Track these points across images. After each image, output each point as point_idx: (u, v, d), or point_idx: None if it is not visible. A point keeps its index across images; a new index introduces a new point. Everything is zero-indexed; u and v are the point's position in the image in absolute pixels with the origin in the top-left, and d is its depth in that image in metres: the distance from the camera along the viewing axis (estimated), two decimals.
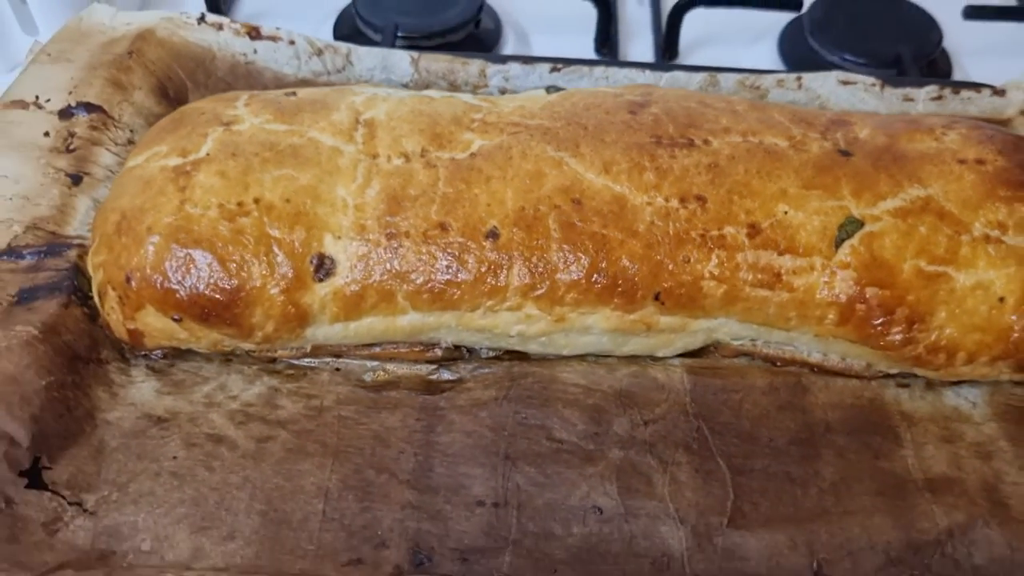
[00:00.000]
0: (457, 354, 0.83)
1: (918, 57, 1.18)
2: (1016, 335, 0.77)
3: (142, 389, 0.80)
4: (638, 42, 1.27)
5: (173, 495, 0.73)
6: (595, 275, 0.78)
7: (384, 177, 0.81)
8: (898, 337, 0.79)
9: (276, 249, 0.78)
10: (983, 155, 0.83)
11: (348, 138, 0.84)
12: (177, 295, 0.77)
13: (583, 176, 0.81)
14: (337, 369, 0.83)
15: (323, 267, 0.78)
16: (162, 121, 0.88)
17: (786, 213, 0.80)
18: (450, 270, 0.78)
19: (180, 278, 0.77)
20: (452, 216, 0.79)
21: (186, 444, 0.76)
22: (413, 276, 0.78)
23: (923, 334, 0.78)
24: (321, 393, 0.81)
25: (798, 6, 1.22)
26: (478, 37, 1.24)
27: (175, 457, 0.76)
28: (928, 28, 1.22)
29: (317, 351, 0.83)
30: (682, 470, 0.76)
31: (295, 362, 0.83)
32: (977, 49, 1.25)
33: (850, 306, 0.78)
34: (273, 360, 0.83)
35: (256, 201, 0.79)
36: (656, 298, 0.79)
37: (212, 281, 0.77)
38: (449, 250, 0.78)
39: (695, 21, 1.23)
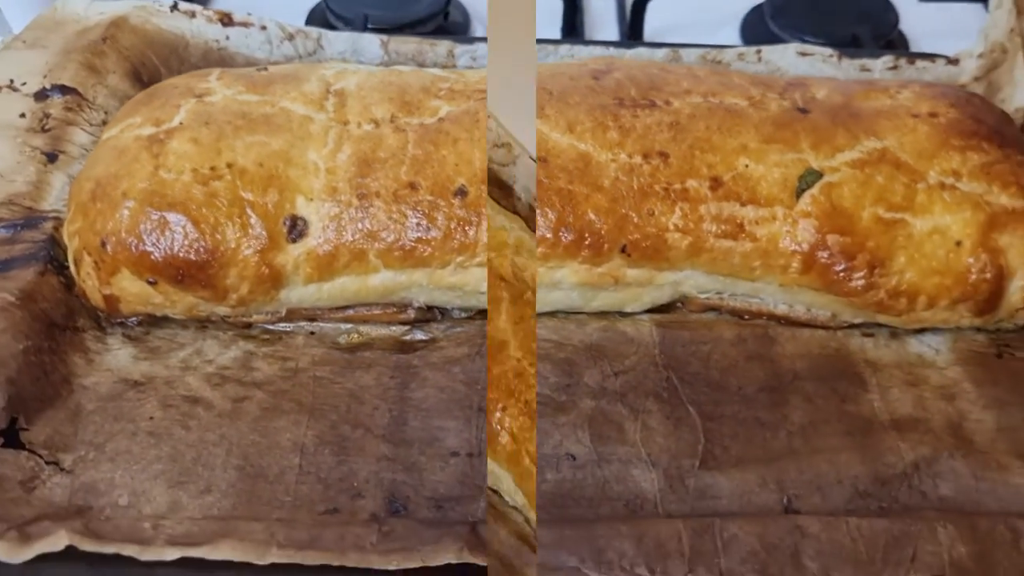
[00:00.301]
0: (430, 315, 0.85)
1: (876, 38, 1.21)
2: (974, 277, 0.79)
3: (118, 356, 0.81)
4: (603, 32, 1.30)
5: (150, 452, 0.74)
6: (562, 229, 0.80)
7: (354, 142, 0.83)
8: (860, 283, 0.80)
9: (249, 211, 0.79)
10: (936, 108, 0.86)
11: (319, 107, 0.86)
12: (152, 257, 0.78)
13: (548, 135, 0.83)
14: (312, 333, 0.84)
15: (296, 228, 0.80)
16: (136, 96, 0.90)
17: (747, 166, 0.82)
18: (420, 227, 0.80)
19: (155, 240, 0.78)
20: (421, 176, 0.81)
21: (162, 405, 0.77)
22: (384, 235, 0.80)
23: (884, 279, 0.80)
24: (296, 355, 0.82)
25: None
26: (446, 30, 1.26)
27: (151, 418, 0.76)
28: (885, 10, 1.25)
29: (292, 315, 0.84)
30: (653, 417, 0.78)
31: (270, 327, 0.84)
32: (933, 31, 1.28)
33: (812, 254, 0.80)
34: (248, 326, 0.84)
35: (229, 166, 0.80)
36: (623, 251, 0.80)
37: (186, 243, 0.78)
38: (419, 208, 0.80)
39: (659, 10, 1.26)
